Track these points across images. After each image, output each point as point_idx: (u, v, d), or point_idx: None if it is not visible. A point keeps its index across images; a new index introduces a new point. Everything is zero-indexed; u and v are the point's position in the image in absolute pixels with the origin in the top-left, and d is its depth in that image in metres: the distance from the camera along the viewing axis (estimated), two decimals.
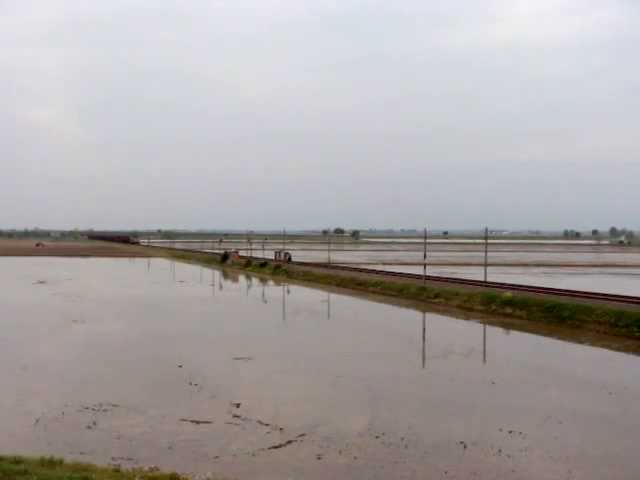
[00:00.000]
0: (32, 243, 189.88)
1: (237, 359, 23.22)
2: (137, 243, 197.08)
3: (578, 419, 16.25)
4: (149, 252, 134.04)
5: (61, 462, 11.58)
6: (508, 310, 36.82)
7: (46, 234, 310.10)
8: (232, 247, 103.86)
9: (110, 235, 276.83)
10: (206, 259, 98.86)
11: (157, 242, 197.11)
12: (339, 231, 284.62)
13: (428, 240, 53.37)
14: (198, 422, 15.38)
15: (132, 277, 69.44)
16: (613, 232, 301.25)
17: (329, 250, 77.14)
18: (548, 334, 30.68)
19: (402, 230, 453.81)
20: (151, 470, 11.77)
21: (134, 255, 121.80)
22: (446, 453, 13.47)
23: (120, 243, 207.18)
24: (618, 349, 26.82)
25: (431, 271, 53.22)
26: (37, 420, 15.46)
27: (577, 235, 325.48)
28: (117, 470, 11.52)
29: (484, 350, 27.35)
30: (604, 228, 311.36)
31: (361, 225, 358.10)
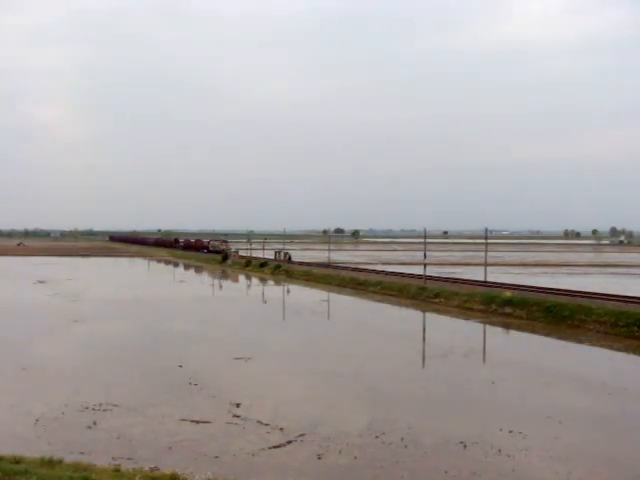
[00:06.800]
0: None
1: (237, 359, 23.22)
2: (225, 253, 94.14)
3: (578, 419, 16.26)
4: (149, 252, 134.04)
5: (61, 462, 11.59)
6: (508, 310, 36.82)
7: (46, 234, 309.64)
8: (232, 247, 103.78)
9: (165, 238, 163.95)
10: (206, 259, 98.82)
11: None
12: (339, 231, 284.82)
13: (428, 240, 53.43)
14: (198, 422, 15.39)
15: (132, 277, 69.43)
16: (613, 232, 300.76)
17: (329, 250, 77.16)
18: (548, 334, 30.68)
19: (402, 230, 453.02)
20: (151, 470, 11.77)
21: (134, 255, 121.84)
22: (446, 453, 13.47)
23: (193, 251, 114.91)
24: (618, 349, 26.82)
25: (431, 271, 53.20)
26: (37, 420, 15.46)
27: (577, 235, 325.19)
28: (117, 470, 11.53)
29: (484, 350, 27.35)
30: (604, 228, 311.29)
31: (361, 225, 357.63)
